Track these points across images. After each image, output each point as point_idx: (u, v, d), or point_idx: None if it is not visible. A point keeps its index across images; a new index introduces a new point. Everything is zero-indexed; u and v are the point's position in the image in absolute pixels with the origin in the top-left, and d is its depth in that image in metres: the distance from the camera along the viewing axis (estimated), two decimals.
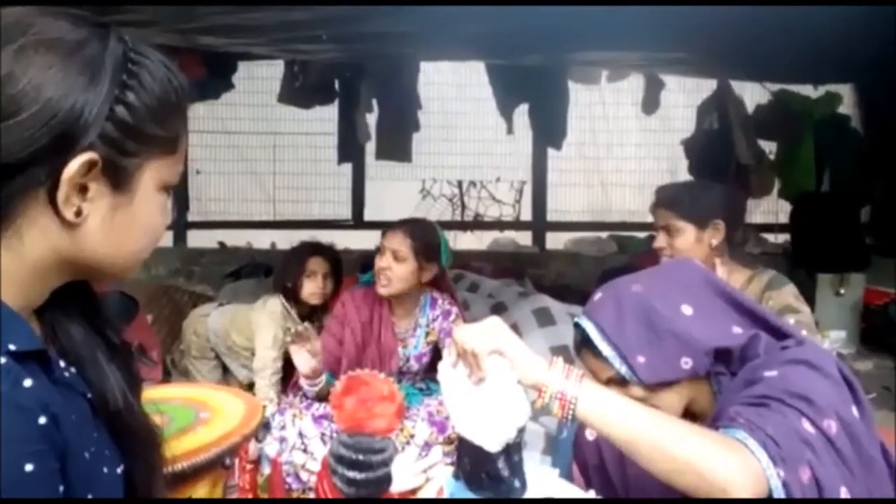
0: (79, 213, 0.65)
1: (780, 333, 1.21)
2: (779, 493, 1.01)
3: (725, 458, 1.01)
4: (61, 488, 0.60)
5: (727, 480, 1.00)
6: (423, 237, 2.39)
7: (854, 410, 1.11)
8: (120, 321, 0.81)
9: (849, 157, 4.41)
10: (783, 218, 5.09)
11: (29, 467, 0.57)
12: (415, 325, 2.47)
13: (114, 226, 0.67)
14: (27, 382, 0.59)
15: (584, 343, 1.24)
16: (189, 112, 0.74)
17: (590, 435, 1.40)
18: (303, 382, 2.27)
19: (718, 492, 1.00)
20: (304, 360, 2.20)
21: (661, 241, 2.00)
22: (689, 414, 1.23)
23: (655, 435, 1.05)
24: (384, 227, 2.49)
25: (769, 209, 5.45)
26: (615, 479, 1.34)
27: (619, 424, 1.07)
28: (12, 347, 0.60)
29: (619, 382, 1.20)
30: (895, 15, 2.10)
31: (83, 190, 0.64)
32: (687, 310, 1.19)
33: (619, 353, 1.19)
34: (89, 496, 0.64)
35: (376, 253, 2.42)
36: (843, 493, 1.05)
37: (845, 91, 4.65)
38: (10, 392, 0.58)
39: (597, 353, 1.21)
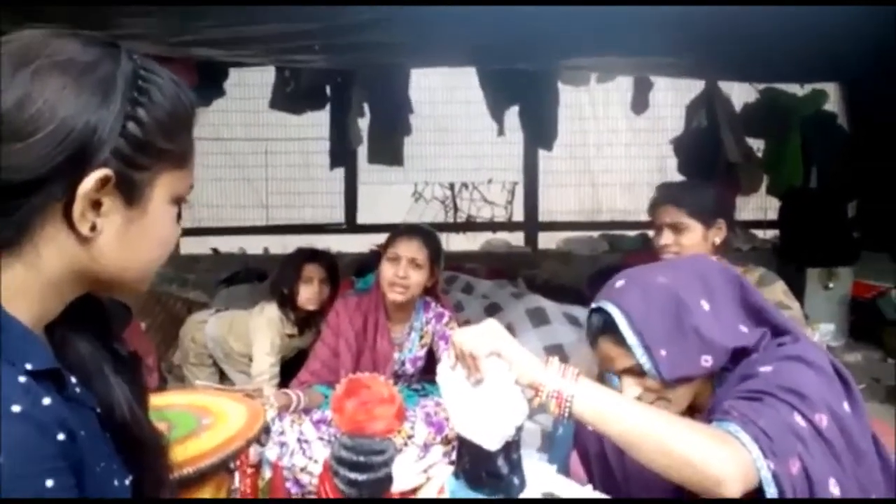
0: (93, 228, 0.66)
1: (778, 330, 1.23)
2: (769, 485, 1.05)
3: (718, 452, 1.04)
4: None
5: (719, 472, 1.03)
6: (435, 244, 2.44)
7: (846, 405, 1.14)
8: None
9: (835, 153, 4.44)
10: (772, 214, 5.14)
11: (50, 483, 0.58)
12: (409, 330, 2.48)
13: (127, 239, 0.69)
14: (46, 401, 0.61)
15: (605, 329, 1.23)
16: None
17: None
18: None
19: (712, 483, 1.03)
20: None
21: (666, 237, 1.98)
22: (689, 407, 1.25)
23: (650, 430, 1.07)
24: (377, 230, 2.50)
25: (758, 206, 5.49)
26: (615, 466, 1.37)
27: (615, 421, 1.09)
28: (29, 367, 0.61)
29: (635, 373, 1.21)
30: (880, 14, 2.14)
31: (97, 205, 0.66)
32: (705, 305, 1.20)
33: (643, 343, 1.19)
34: None
35: (370, 257, 2.43)
36: (832, 485, 1.08)
37: (831, 88, 4.71)
38: (31, 410, 0.59)
39: (619, 340, 1.20)
